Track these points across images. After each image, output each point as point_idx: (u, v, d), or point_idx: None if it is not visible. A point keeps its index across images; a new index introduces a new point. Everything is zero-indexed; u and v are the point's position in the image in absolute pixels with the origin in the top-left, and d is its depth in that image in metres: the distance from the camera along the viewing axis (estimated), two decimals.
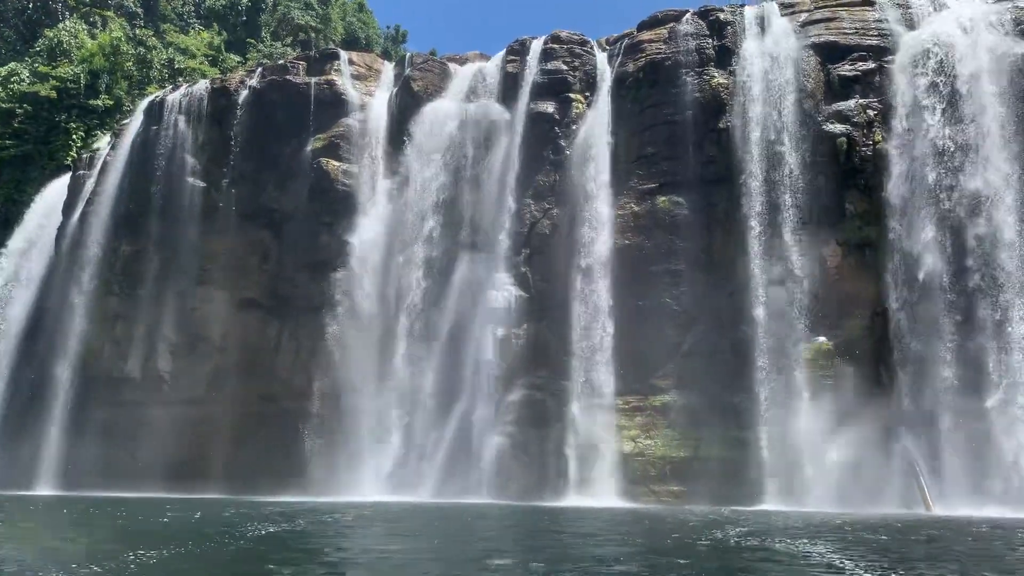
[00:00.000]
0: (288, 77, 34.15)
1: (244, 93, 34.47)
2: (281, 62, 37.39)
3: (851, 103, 26.34)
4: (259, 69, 36.43)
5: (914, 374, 23.57)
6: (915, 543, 14.32)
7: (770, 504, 23.02)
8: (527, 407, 27.19)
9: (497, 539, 15.13)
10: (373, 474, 27.73)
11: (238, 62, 52.29)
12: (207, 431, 30.89)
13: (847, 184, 25.88)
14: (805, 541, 13.91)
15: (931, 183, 24.56)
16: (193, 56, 50.97)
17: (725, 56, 28.48)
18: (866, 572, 10.32)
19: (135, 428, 31.68)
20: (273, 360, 31.27)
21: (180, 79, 45.88)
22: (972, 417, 22.68)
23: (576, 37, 31.74)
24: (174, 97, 36.11)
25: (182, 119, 34.99)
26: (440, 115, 31.66)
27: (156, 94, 39.05)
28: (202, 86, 36.26)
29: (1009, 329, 22.99)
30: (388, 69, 35.47)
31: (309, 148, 32.64)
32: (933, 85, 25.41)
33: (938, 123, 24.99)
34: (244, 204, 33.17)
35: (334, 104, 33.17)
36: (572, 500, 24.93)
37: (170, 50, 50.23)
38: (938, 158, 24.69)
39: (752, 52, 28.01)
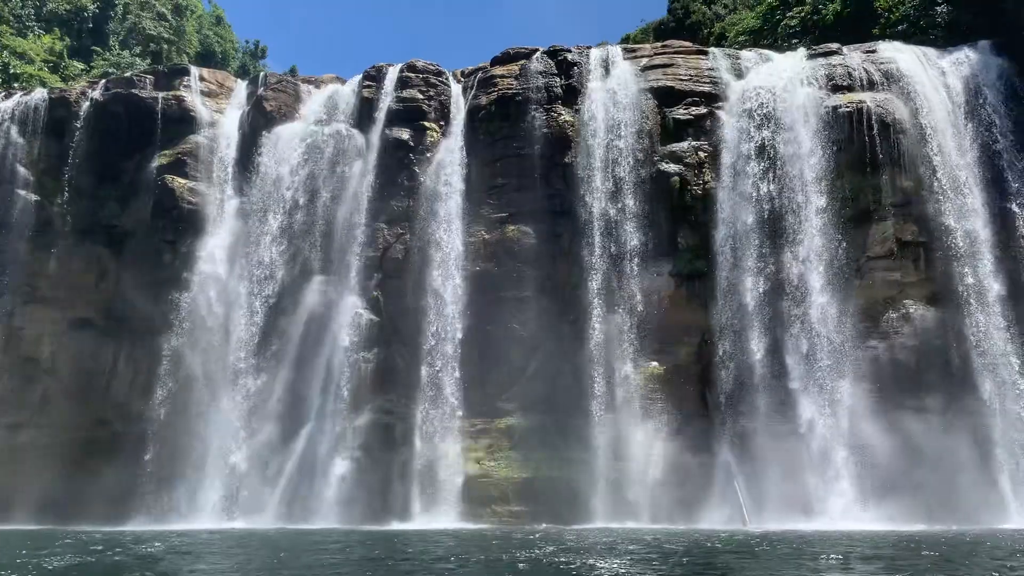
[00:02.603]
0: (134, 91, 33.08)
1: (85, 105, 33.00)
2: (128, 75, 36.12)
3: (684, 145, 28.28)
4: (103, 81, 35.06)
5: (735, 397, 25.43)
6: (706, 554, 15.50)
7: (603, 522, 24.07)
8: (375, 431, 27.32)
9: (315, 567, 14.71)
10: (214, 500, 27.00)
11: (82, 70, 49.77)
12: (34, 458, 29.13)
13: (680, 220, 27.75)
14: (608, 557, 14.69)
15: (752, 221, 26.72)
16: (31, 61, 48.09)
17: (572, 95, 29.94)
18: None
19: None
20: (109, 383, 29.95)
21: (15, 85, 43.29)
22: (786, 437, 24.65)
23: (432, 67, 32.40)
24: (7, 105, 34.09)
25: (15, 128, 33.10)
26: (293, 136, 31.42)
27: None
28: (39, 95, 34.41)
29: (818, 357, 25.21)
30: (241, 87, 34.94)
31: (154, 164, 31.66)
32: (756, 131, 27.70)
33: (759, 166, 27.23)
34: (81, 220, 31.71)
35: (182, 120, 32.37)
36: (417, 523, 25.07)
37: (4, 53, 47.27)
38: (759, 198, 26.89)
39: (596, 92, 29.60)
